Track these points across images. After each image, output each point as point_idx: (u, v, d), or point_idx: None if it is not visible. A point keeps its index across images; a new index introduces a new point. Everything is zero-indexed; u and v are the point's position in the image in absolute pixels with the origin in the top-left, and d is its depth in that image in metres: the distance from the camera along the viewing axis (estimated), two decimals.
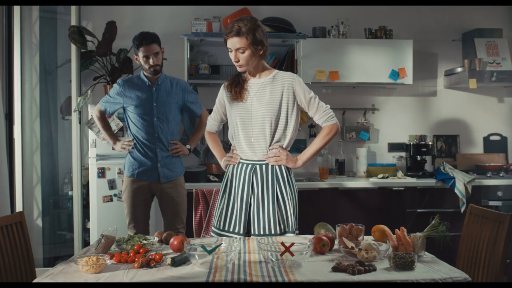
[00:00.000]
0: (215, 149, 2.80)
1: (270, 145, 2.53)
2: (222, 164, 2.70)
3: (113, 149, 3.47)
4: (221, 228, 2.57)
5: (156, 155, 3.23)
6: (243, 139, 2.56)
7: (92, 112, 3.46)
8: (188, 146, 3.39)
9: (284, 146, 2.56)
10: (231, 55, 2.50)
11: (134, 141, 3.25)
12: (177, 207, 3.28)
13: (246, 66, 2.51)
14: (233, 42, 2.45)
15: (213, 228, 2.63)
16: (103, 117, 3.39)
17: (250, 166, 2.55)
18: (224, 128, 4.14)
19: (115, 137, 3.42)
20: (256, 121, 2.52)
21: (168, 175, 3.25)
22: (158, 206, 3.41)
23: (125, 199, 3.28)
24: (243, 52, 2.47)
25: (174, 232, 3.21)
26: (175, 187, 3.28)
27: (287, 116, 2.53)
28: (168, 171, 3.26)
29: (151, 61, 3.14)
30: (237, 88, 2.57)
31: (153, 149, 3.23)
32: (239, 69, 2.54)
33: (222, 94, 2.67)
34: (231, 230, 2.55)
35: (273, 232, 2.48)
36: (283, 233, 2.50)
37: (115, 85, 3.29)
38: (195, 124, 4.03)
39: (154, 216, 3.52)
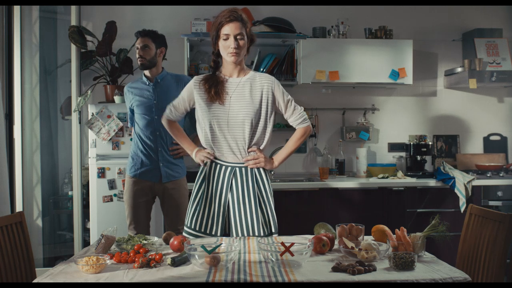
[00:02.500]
0: (183, 140, 2.68)
1: (248, 147, 2.50)
2: (197, 158, 2.58)
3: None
4: (197, 229, 2.51)
5: (158, 154, 3.23)
6: (222, 141, 2.49)
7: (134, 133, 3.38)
8: None
9: (261, 148, 2.54)
10: (228, 42, 2.41)
11: (139, 142, 3.25)
12: (178, 207, 3.28)
13: (239, 57, 2.44)
14: (234, 27, 2.40)
15: (185, 229, 2.55)
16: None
17: (230, 168, 2.52)
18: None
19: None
20: (236, 123, 2.46)
21: (170, 175, 3.25)
22: (158, 206, 3.41)
23: (126, 199, 3.27)
24: (241, 39, 2.42)
25: (175, 232, 3.22)
26: (177, 188, 3.28)
27: (266, 118, 2.50)
28: (170, 171, 3.26)
29: (138, 52, 3.24)
30: (216, 89, 2.46)
31: (155, 149, 3.23)
32: (232, 59, 2.43)
33: (193, 90, 2.53)
34: (207, 231, 2.51)
35: (256, 234, 2.47)
36: (267, 235, 2.49)
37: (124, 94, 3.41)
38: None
39: (154, 217, 3.52)
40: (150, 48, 3.23)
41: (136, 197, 3.24)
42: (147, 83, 3.29)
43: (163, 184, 3.25)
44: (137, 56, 3.26)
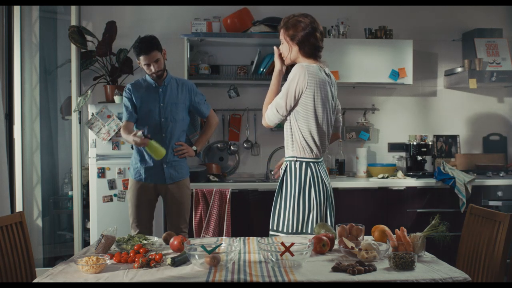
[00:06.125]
0: None
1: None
2: None
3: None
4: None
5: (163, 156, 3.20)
6: None
7: (121, 132, 3.22)
8: (194, 148, 3.35)
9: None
10: None
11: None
12: (181, 207, 3.28)
13: None
14: None
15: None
16: (127, 127, 3.20)
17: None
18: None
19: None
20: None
21: (174, 176, 3.24)
22: (159, 207, 3.40)
23: (129, 198, 3.25)
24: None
25: (178, 231, 3.22)
26: (180, 187, 3.27)
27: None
28: (174, 172, 3.24)
29: (152, 68, 3.11)
30: None
31: None
32: None
33: None
34: None
35: (270, 227, 2.65)
36: (275, 230, 2.60)
37: (124, 93, 3.23)
38: (195, 125, 4.00)
39: (155, 217, 3.51)
40: (159, 58, 3.12)
41: (140, 196, 3.23)
42: (154, 85, 3.22)
43: (167, 185, 3.24)
44: (152, 71, 3.11)
